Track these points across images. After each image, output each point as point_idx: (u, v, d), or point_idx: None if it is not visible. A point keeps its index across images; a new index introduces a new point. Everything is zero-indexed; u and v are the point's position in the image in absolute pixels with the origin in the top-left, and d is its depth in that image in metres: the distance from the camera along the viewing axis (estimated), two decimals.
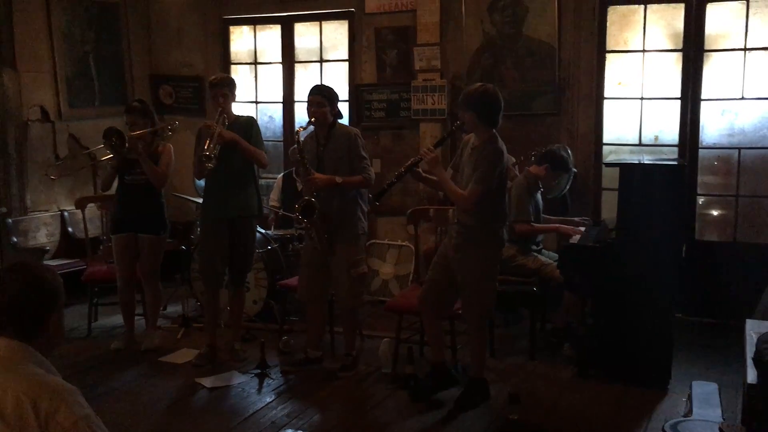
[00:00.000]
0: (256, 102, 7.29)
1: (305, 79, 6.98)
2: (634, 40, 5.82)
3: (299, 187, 6.00)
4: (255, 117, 5.99)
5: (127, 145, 4.86)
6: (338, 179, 4.52)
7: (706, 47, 5.61)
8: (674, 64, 5.72)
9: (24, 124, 6.42)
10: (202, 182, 5.22)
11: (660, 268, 4.37)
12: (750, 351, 3.07)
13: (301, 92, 7.00)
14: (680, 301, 4.90)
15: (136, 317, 5.42)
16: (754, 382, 2.89)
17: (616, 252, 4.47)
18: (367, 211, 4.79)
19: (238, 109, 5.07)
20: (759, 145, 5.60)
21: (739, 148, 5.63)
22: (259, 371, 4.75)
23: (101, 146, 5.18)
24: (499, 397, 4.27)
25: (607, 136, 5.96)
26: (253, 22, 7.16)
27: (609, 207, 5.69)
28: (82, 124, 6.86)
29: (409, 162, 4.22)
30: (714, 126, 5.73)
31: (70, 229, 6.66)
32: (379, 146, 6.44)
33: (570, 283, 4.75)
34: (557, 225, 5.27)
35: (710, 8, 5.55)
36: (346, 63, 6.77)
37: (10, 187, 6.32)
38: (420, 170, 4.23)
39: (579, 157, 5.73)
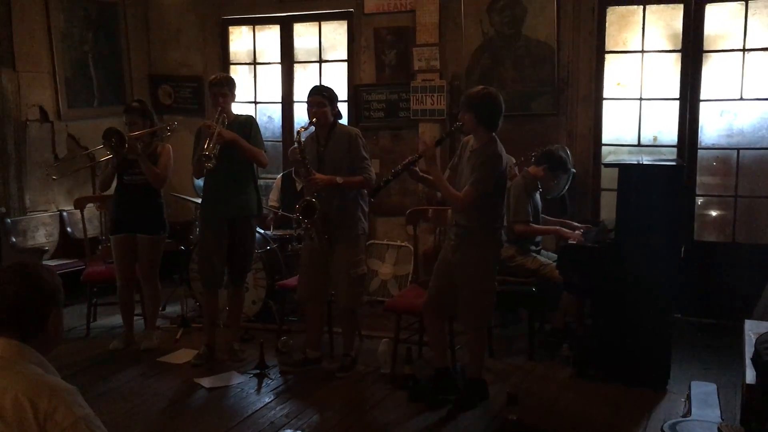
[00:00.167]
0: (255, 102, 7.29)
1: (304, 80, 6.98)
2: (633, 40, 5.83)
3: (298, 187, 6.02)
4: (254, 117, 5.97)
5: (126, 145, 4.86)
6: (339, 179, 4.52)
7: (705, 48, 5.62)
8: (673, 64, 5.72)
9: (23, 124, 6.42)
10: (201, 182, 5.22)
11: (659, 269, 4.37)
12: (748, 351, 3.08)
13: (300, 92, 7.00)
14: (679, 302, 4.91)
15: (135, 317, 5.42)
16: (752, 383, 2.90)
17: (615, 252, 4.47)
18: (367, 211, 4.79)
19: (238, 109, 5.07)
20: (758, 146, 5.60)
21: (738, 149, 5.64)
22: (257, 371, 4.75)
23: (100, 147, 5.17)
24: (497, 397, 4.27)
25: (606, 136, 5.96)
26: (252, 23, 7.16)
27: (608, 207, 5.70)
28: (81, 124, 6.86)
29: (407, 160, 4.21)
30: (713, 126, 5.73)
31: (69, 229, 6.66)
32: (378, 146, 6.44)
33: (569, 284, 4.75)
34: (557, 227, 5.27)
35: (709, 9, 5.56)
36: (345, 63, 6.77)
37: (9, 187, 6.32)
38: (417, 169, 4.23)
39: (578, 158, 5.74)
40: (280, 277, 5.59)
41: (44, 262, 5.95)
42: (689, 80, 5.63)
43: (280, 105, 7.16)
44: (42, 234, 6.53)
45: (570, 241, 4.92)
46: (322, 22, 6.86)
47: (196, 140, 4.88)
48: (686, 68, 5.64)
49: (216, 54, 7.25)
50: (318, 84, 5.00)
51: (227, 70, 7.15)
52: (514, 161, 5.54)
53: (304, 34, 7.00)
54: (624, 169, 4.58)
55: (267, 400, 4.37)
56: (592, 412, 4.17)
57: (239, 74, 7.22)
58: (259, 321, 5.69)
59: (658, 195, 4.38)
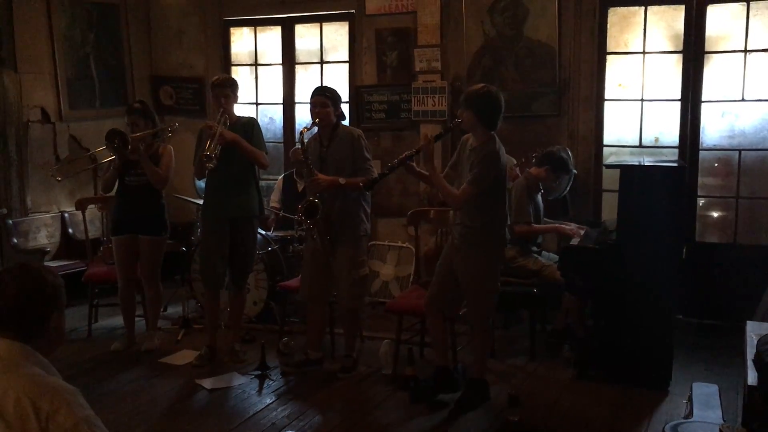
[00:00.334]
0: (257, 103, 7.29)
1: (306, 81, 6.99)
2: (634, 41, 5.83)
3: (300, 188, 6.02)
4: (256, 118, 5.99)
5: (129, 147, 4.86)
6: (341, 180, 4.52)
7: (707, 49, 5.62)
8: (674, 65, 5.72)
9: (24, 125, 6.42)
10: (202, 183, 5.22)
11: (660, 270, 4.37)
12: (750, 352, 3.07)
13: (302, 94, 7.00)
14: (680, 303, 4.91)
15: (137, 318, 5.42)
16: (754, 384, 2.89)
17: (616, 253, 4.47)
18: (370, 212, 4.79)
19: (239, 110, 5.07)
20: (759, 147, 5.60)
21: (740, 150, 5.64)
22: (259, 372, 4.75)
23: (102, 148, 5.17)
24: (499, 398, 4.26)
25: (608, 137, 5.96)
26: (254, 24, 7.17)
27: (609, 208, 5.70)
28: (83, 125, 6.87)
29: (404, 155, 4.17)
30: (714, 127, 5.73)
31: (70, 230, 6.66)
32: (379, 147, 6.44)
33: (570, 285, 4.75)
34: (557, 225, 5.27)
35: (710, 10, 5.56)
36: (347, 64, 6.77)
37: (11, 188, 6.32)
38: (413, 164, 4.22)
39: (579, 159, 5.74)
40: (281, 278, 5.59)
41: (46, 263, 5.96)
42: (690, 81, 5.63)
43: (281, 106, 7.16)
44: (43, 235, 6.53)
45: (572, 240, 4.92)
46: (323, 23, 6.87)
47: (198, 141, 4.88)
48: (687, 69, 5.63)
49: (217, 55, 7.25)
50: (321, 85, 5.00)
51: (228, 71, 7.16)
52: (515, 162, 5.54)
53: (306, 35, 7.01)
54: (625, 170, 4.58)
55: (268, 401, 4.37)
56: (594, 413, 4.17)
57: (240, 75, 7.22)
58: (260, 322, 5.69)
59: (660, 196, 4.37)
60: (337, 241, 4.62)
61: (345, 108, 4.87)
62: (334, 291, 4.80)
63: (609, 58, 5.88)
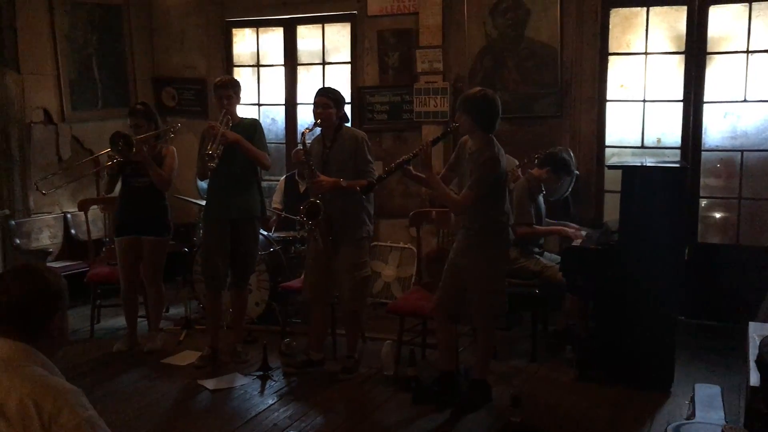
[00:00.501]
0: (259, 104, 7.30)
1: (308, 82, 6.99)
2: (636, 42, 5.83)
3: (301, 189, 6.02)
4: (258, 120, 5.99)
5: (134, 149, 4.87)
6: (343, 182, 4.52)
7: (709, 50, 5.61)
8: (677, 66, 5.72)
9: (27, 126, 6.43)
10: (204, 184, 5.23)
11: (662, 271, 4.36)
12: (753, 353, 3.07)
13: (304, 95, 7.01)
14: (682, 304, 4.90)
15: (139, 319, 5.42)
16: (756, 385, 2.89)
17: (618, 254, 4.47)
18: (373, 213, 4.79)
19: (241, 111, 5.08)
20: (761, 148, 5.59)
21: (742, 151, 5.63)
22: (261, 373, 4.75)
23: (106, 151, 5.15)
24: (500, 399, 4.26)
25: (610, 138, 5.96)
26: (256, 25, 7.17)
27: (611, 209, 5.69)
28: (85, 126, 6.88)
29: (401, 159, 4.18)
30: (716, 128, 5.72)
31: (72, 231, 6.68)
32: (381, 148, 6.45)
33: (572, 286, 4.74)
34: (559, 227, 5.27)
35: (713, 11, 5.55)
36: (349, 65, 6.77)
37: (13, 189, 6.33)
38: (411, 168, 4.22)
39: (581, 160, 5.73)
40: (283, 278, 5.59)
41: (48, 264, 5.97)
42: (693, 82, 5.62)
43: (283, 107, 7.17)
44: (46, 236, 6.55)
45: (574, 242, 4.92)
46: (325, 24, 6.87)
47: (201, 143, 4.88)
48: (690, 70, 5.63)
49: (219, 56, 7.26)
50: (324, 86, 5.00)
51: (231, 72, 7.16)
52: (517, 163, 5.54)
53: (308, 36, 7.01)
54: (627, 171, 4.57)
55: (270, 401, 4.38)
56: (596, 414, 4.17)
57: (242, 76, 7.22)
58: (262, 323, 5.69)
59: (662, 197, 4.37)
60: (339, 242, 4.62)
61: (347, 109, 4.86)
62: (336, 292, 4.80)
63: (611, 58, 5.88)
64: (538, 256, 5.19)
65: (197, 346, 5.20)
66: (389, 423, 4.09)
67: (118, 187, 5.23)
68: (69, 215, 6.70)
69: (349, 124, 4.92)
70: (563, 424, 4.06)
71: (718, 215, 5.92)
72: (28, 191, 6.43)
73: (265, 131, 5.15)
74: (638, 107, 5.84)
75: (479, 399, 4.23)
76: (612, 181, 5.72)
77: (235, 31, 7.30)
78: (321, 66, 6.95)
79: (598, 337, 4.68)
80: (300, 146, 4.86)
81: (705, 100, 5.64)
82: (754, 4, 5.44)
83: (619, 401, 4.30)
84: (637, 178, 4.49)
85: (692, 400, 4.05)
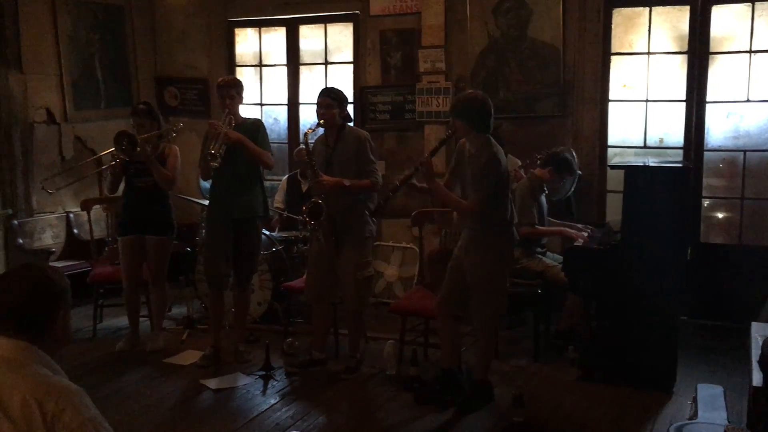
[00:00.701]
0: (261, 104, 7.30)
1: (310, 82, 7.00)
2: (639, 42, 5.82)
3: (304, 188, 6.02)
4: (261, 120, 6.00)
5: (138, 148, 4.87)
6: (346, 182, 4.53)
7: (712, 49, 5.61)
8: (679, 66, 5.71)
9: (30, 126, 6.44)
10: (206, 184, 5.23)
11: (665, 271, 4.36)
12: (755, 354, 3.07)
13: (306, 94, 7.01)
14: (685, 304, 4.89)
15: (141, 318, 5.43)
16: (759, 385, 2.89)
17: (620, 254, 4.46)
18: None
19: (244, 111, 5.08)
20: (764, 148, 5.59)
21: (745, 151, 5.63)
22: (263, 373, 4.76)
23: (110, 150, 5.15)
24: (503, 399, 4.26)
25: (612, 138, 5.95)
26: (258, 25, 7.18)
27: (614, 209, 5.69)
28: (88, 125, 6.89)
29: (404, 176, 4.27)
30: (719, 128, 5.72)
31: (75, 231, 6.68)
32: (383, 148, 6.45)
33: (574, 286, 4.74)
34: (561, 228, 5.27)
35: (715, 10, 5.55)
36: (351, 65, 6.78)
37: (16, 188, 6.34)
38: (415, 182, 4.25)
39: (583, 160, 5.73)
40: (285, 278, 5.60)
41: (51, 264, 5.98)
42: (695, 82, 5.62)
43: (285, 107, 7.17)
44: (49, 235, 6.56)
45: (576, 243, 4.92)
46: (327, 24, 6.87)
47: (204, 142, 4.88)
48: (692, 70, 5.62)
49: (222, 56, 7.26)
50: (327, 86, 5.01)
51: (233, 72, 7.16)
52: (520, 163, 5.54)
53: (310, 36, 7.01)
54: (630, 170, 4.57)
55: (273, 401, 4.38)
56: (598, 414, 4.16)
57: (245, 76, 7.23)
58: (264, 322, 5.69)
59: (664, 197, 4.37)
60: (342, 242, 4.63)
61: (349, 109, 4.87)
62: (339, 292, 4.81)
63: (613, 58, 5.87)
64: (540, 256, 5.18)
65: (200, 346, 5.20)
66: (391, 423, 4.09)
67: (122, 186, 5.23)
68: (72, 215, 6.70)
69: (352, 124, 4.92)
70: (566, 424, 4.06)
71: (720, 215, 5.91)
72: (31, 191, 6.44)
73: (268, 131, 5.15)
74: (641, 107, 5.83)
75: (482, 399, 4.23)
76: (614, 181, 5.71)
77: (237, 31, 7.30)
78: (323, 66, 6.95)
79: (600, 337, 4.67)
80: (302, 146, 4.86)
81: (708, 100, 5.64)
82: (757, 4, 5.44)
83: (622, 401, 4.30)
84: (640, 178, 4.48)
85: (695, 401, 4.04)
